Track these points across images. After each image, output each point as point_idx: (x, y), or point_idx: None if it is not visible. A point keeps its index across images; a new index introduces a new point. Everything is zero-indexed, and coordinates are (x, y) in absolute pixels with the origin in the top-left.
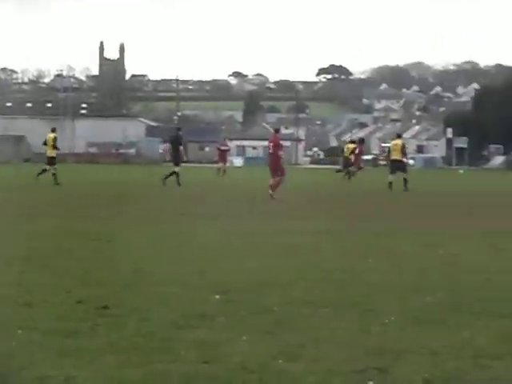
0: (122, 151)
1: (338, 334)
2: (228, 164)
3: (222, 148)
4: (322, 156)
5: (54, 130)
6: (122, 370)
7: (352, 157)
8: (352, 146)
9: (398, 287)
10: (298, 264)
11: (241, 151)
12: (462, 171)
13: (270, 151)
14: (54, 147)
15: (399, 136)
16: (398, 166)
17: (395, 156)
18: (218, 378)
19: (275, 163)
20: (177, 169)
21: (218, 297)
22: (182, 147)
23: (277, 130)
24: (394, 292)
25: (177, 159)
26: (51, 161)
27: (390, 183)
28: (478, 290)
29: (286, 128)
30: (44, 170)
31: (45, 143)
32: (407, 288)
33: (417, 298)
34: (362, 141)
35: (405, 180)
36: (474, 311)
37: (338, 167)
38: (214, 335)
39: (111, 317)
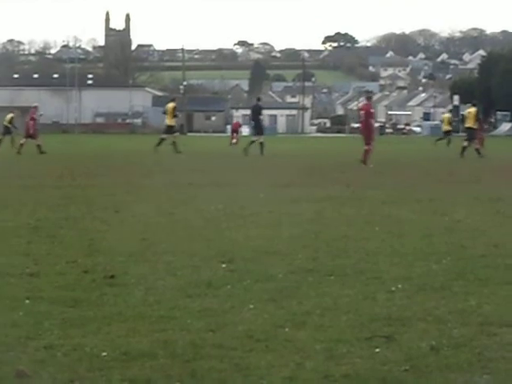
0: (128, 121)
1: (344, 301)
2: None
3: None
4: (328, 124)
5: (173, 100)
6: (128, 338)
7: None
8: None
9: (404, 255)
10: (301, 232)
11: (247, 120)
12: None
13: (361, 119)
14: (174, 116)
15: (474, 105)
16: (470, 134)
17: (469, 124)
18: (224, 347)
19: (366, 130)
20: (261, 139)
21: (223, 265)
22: (262, 117)
23: (369, 98)
24: (400, 259)
25: (258, 129)
26: (169, 129)
27: (464, 148)
28: (484, 257)
29: (293, 96)
30: (162, 140)
31: (164, 112)
32: (413, 255)
33: (423, 265)
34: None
35: (477, 150)
36: (480, 278)
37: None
38: (220, 304)
39: (118, 286)
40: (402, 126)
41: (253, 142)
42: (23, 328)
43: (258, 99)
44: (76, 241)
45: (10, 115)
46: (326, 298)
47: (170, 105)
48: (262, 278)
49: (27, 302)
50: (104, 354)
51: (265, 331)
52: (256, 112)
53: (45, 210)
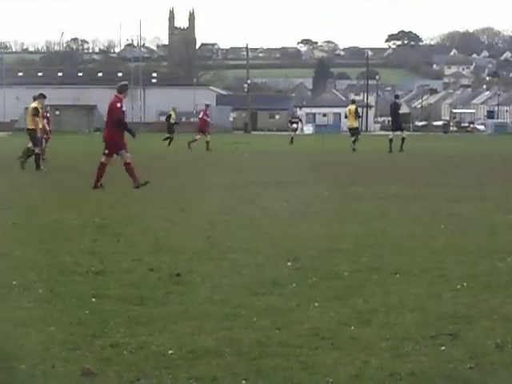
0: (192, 120)
1: (409, 300)
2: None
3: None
4: None
5: (353, 102)
6: (194, 336)
7: None
8: None
9: (469, 253)
10: (366, 230)
11: (311, 118)
12: None
13: None
14: (358, 116)
15: None
16: None
17: None
18: (289, 345)
19: None
20: (403, 134)
21: (289, 263)
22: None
23: None
24: (465, 258)
25: (398, 125)
26: (352, 131)
27: None
28: None
29: (356, 95)
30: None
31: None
32: (478, 253)
33: (488, 264)
34: None
35: None
36: None
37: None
38: (285, 302)
39: (183, 284)
40: (467, 124)
41: (403, 138)
42: (89, 326)
43: (396, 96)
44: (141, 239)
45: (171, 112)
46: (392, 296)
47: (351, 107)
48: (327, 275)
49: (93, 300)
50: (170, 352)
51: (330, 329)
52: (394, 109)
53: (108, 208)
